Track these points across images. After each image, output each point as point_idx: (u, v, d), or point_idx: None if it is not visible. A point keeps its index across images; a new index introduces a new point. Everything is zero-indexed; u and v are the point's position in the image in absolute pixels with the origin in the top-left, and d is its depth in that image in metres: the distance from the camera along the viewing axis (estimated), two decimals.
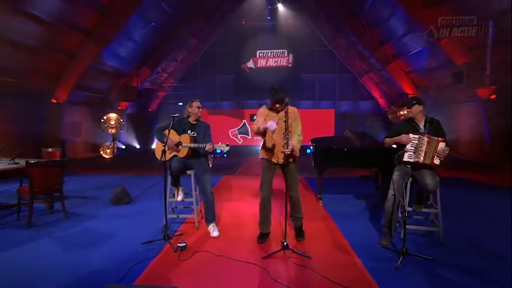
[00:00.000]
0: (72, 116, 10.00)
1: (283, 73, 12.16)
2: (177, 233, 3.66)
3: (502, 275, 2.72)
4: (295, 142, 3.26)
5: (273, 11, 11.10)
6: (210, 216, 3.73)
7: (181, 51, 12.40)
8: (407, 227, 3.38)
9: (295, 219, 3.54)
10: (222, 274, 2.77)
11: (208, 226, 3.72)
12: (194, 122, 3.91)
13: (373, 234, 3.65)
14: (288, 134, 3.13)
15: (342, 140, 5.06)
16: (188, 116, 3.90)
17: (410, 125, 3.39)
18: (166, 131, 3.84)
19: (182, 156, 3.74)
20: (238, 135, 11.49)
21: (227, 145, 3.61)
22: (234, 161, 9.66)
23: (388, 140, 3.49)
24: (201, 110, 3.92)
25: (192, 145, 3.71)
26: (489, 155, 8.10)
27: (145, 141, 12.46)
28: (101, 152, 10.82)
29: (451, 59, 8.04)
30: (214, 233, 3.61)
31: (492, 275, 2.73)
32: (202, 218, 4.06)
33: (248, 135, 11.27)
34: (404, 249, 2.97)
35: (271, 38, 12.08)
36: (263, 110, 3.47)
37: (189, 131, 3.83)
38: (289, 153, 3.14)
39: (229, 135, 11.59)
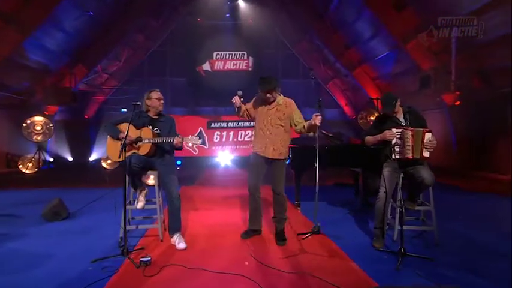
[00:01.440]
0: None
1: (243, 77, 12.20)
2: (137, 247, 3.32)
3: (501, 270, 2.85)
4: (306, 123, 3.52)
5: (233, 9, 11.21)
6: (176, 224, 3.45)
7: (125, 49, 11.85)
8: (399, 227, 3.46)
9: (277, 221, 3.59)
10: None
11: (172, 237, 3.44)
12: (155, 117, 3.66)
13: (363, 239, 3.66)
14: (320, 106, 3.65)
15: (319, 140, 5.13)
16: (147, 111, 3.64)
17: (390, 119, 3.48)
18: (122, 126, 3.55)
19: (143, 153, 3.45)
20: (194, 145, 11.16)
21: (199, 138, 3.40)
22: (190, 172, 9.29)
23: (369, 138, 3.55)
24: (162, 102, 3.67)
25: (156, 140, 3.45)
26: (456, 161, 8.84)
27: (80, 152, 11.48)
28: (20, 166, 9.70)
29: (417, 63, 8.74)
30: (181, 244, 3.33)
31: (492, 271, 2.84)
32: (165, 229, 3.74)
33: (205, 145, 10.99)
34: (402, 250, 2.98)
35: (230, 39, 12.14)
36: (257, 99, 3.64)
37: (150, 127, 3.57)
38: (319, 124, 3.42)
39: (183, 145, 11.18)
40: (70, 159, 11.29)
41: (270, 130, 3.50)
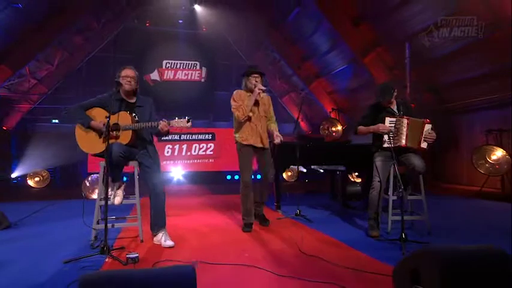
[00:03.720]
0: None
1: (194, 89, 12.14)
2: (115, 246, 3.04)
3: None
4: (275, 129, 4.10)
5: (187, 16, 11.25)
6: (160, 221, 3.26)
7: (59, 52, 11.13)
8: (393, 218, 3.66)
9: (259, 205, 4.09)
10: (209, 282, 2.37)
11: (156, 235, 3.25)
12: (132, 101, 3.46)
13: (357, 233, 3.80)
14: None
15: (301, 138, 5.33)
16: (118, 91, 3.40)
17: (384, 109, 3.75)
18: (93, 111, 3.31)
19: (125, 142, 3.23)
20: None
21: (188, 120, 3.27)
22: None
23: (362, 128, 3.77)
24: (129, 80, 3.37)
25: (138, 126, 3.25)
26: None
27: None
28: None
29: (373, 78, 9.54)
30: (168, 242, 3.14)
31: None
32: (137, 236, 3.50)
33: None
34: (403, 235, 3.14)
35: (182, 47, 12.08)
36: (237, 94, 3.95)
37: (128, 113, 3.37)
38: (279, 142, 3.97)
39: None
40: None
41: (260, 122, 3.95)
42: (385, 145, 3.52)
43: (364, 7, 8.83)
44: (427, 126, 3.55)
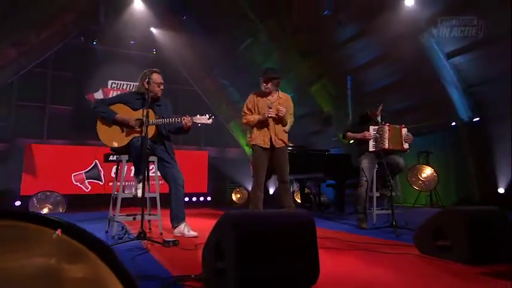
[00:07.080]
0: None
1: None
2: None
3: None
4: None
5: (139, 36, 11.31)
6: (181, 213, 3.43)
7: None
8: (377, 212, 4.28)
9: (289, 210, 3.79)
10: None
11: (176, 227, 3.38)
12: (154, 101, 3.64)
13: (346, 227, 4.29)
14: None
15: None
16: (143, 93, 3.58)
17: (370, 119, 4.47)
18: (116, 107, 3.43)
19: (149, 137, 3.35)
20: (86, 181, 9.92)
21: (210, 117, 3.53)
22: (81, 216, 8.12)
23: (350, 134, 4.45)
24: (162, 88, 3.72)
25: (161, 121, 3.42)
26: None
27: None
28: None
29: (319, 106, 10.61)
30: (192, 232, 3.32)
31: None
32: (150, 229, 3.55)
33: (101, 180, 9.93)
34: (394, 223, 3.73)
35: (130, 68, 11.92)
36: (251, 98, 4.02)
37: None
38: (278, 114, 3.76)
39: (72, 181, 9.76)
40: None
41: (273, 121, 3.85)
42: (371, 149, 4.18)
43: (312, 43, 9.98)
44: (404, 130, 4.32)
